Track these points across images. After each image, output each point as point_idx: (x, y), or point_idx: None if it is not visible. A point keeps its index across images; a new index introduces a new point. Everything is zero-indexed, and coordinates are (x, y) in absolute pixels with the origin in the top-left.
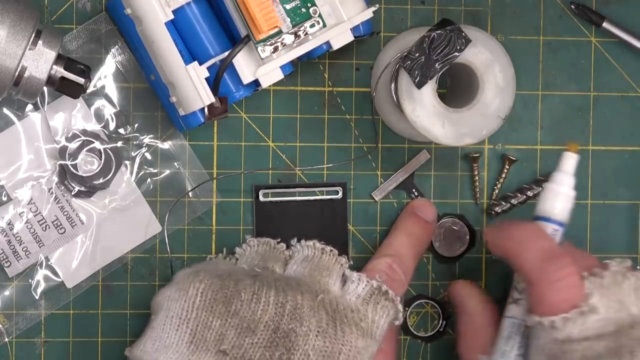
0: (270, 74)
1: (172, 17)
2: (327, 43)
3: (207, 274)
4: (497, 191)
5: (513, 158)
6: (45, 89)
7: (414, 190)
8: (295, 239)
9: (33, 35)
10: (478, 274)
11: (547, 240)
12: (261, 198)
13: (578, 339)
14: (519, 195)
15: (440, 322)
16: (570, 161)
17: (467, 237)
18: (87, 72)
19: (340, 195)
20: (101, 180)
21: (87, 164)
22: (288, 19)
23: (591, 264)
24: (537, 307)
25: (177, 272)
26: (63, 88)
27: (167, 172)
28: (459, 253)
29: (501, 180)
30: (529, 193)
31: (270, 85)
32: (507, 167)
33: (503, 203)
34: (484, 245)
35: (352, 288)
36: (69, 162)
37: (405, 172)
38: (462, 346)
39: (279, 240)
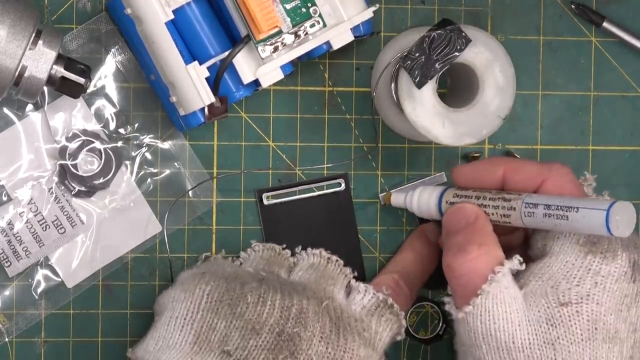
0: (270, 74)
1: (172, 17)
2: (327, 43)
3: (213, 275)
4: None
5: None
6: (45, 88)
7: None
8: (300, 247)
9: (33, 35)
10: None
11: None
12: (265, 201)
13: None
14: None
15: (440, 325)
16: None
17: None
18: (87, 72)
19: (343, 187)
20: (101, 180)
21: (87, 164)
22: (288, 19)
23: None
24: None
25: (181, 273)
26: (63, 88)
27: (167, 172)
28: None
29: None
30: None
31: (270, 85)
32: None
33: None
34: None
35: (358, 298)
36: (69, 162)
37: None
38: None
39: (283, 246)
